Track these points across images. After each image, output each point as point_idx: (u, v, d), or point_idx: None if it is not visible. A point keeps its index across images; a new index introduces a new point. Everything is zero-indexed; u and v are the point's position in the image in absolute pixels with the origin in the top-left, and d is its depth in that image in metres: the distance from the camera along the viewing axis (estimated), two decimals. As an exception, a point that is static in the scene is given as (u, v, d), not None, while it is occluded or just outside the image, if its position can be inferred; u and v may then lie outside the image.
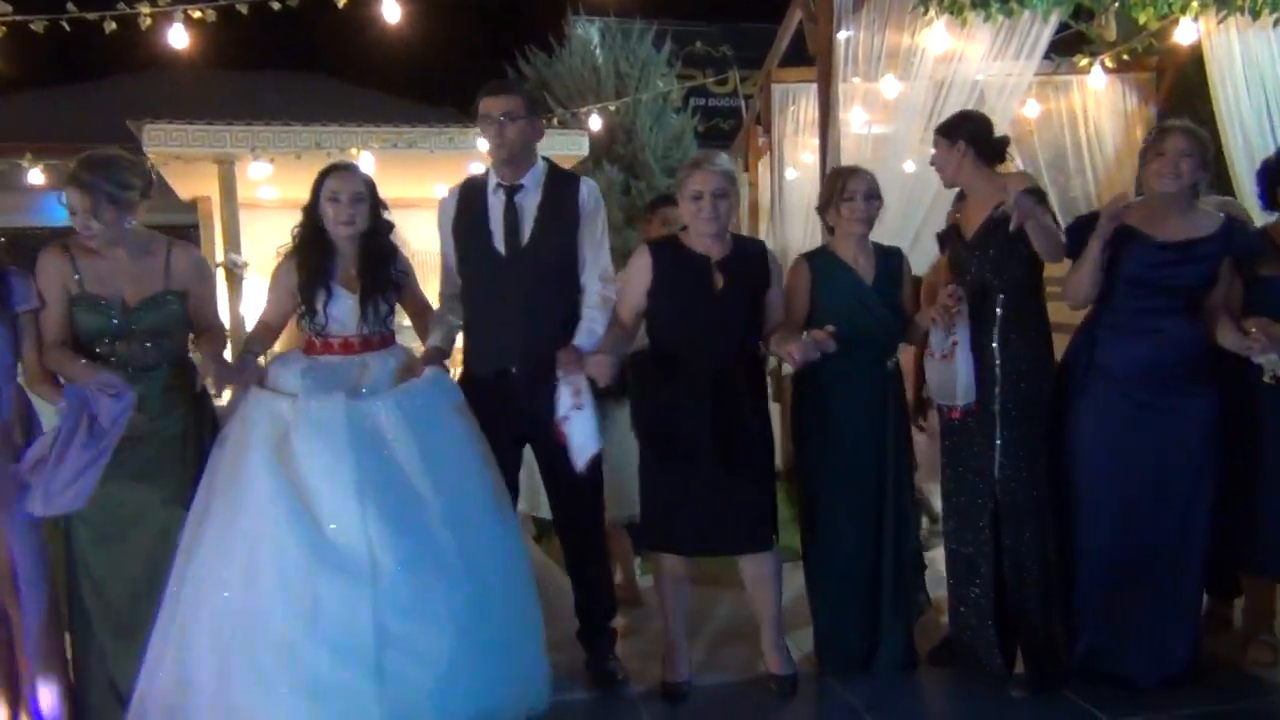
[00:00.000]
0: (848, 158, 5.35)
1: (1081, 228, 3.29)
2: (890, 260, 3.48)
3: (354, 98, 12.79)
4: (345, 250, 3.22)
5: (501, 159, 3.30)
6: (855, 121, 5.54)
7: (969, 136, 3.36)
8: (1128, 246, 3.21)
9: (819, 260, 3.48)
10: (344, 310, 3.16)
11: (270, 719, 2.63)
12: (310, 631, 2.66)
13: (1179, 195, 3.22)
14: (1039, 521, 3.26)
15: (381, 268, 3.22)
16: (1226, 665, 3.44)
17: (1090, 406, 3.27)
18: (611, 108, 10.85)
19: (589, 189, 3.37)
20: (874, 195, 3.43)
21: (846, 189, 3.40)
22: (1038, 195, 3.23)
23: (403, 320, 3.39)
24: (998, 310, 3.27)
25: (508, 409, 3.25)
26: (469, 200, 3.38)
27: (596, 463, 3.27)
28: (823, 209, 3.51)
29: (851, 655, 3.47)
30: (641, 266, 3.31)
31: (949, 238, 3.52)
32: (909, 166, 5.18)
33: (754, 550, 3.35)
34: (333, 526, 2.74)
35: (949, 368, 3.25)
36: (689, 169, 3.29)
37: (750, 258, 3.36)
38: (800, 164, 7.15)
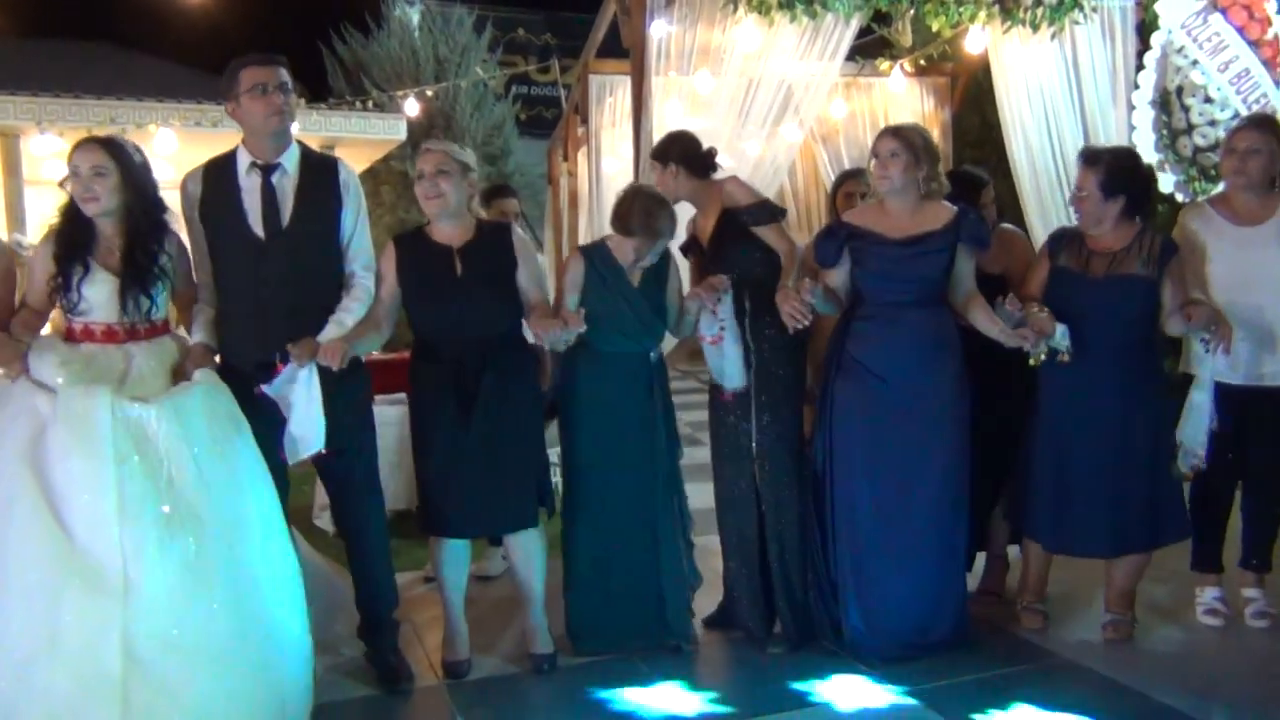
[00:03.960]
0: (662, 150, 5.44)
1: (827, 236, 3.51)
2: (659, 263, 3.55)
3: (152, 71, 12.08)
4: (106, 230, 2.98)
5: (278, 130, 3.13)
6: (671, 114, 5.65)
7: (678, 157, 3.62)
8: (866, 248, 3.42)
9: (595, 255, 3.54)
10: (101, 293, 2.90)
11: None
12: (50, 652, 2.43)
13: (902, 193, 3.42)
14: (793, 495, 3.53)
15: (145, 251, 2.97)
16: (1001, 632, 3.70)
17: (845, 395, 3.46)
18: (430, 93, 10.69)
19: (348, 172, 3.28)
20: (643, 256, 3.45)
21: (624, 231, 3.43)
22: (767, 210, 3.55)
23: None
24: (746, 305, 3.49)
25: (273, 403, 3.05)
26: (217, 181, 3.17)
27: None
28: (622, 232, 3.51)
29: (611, 638, 3.55)
30: (387, 260, 3.32)
31: (691, 248, 3.73)
32: (722, 160, 5.31)
33: (519, 528, 3.41)
34: (84, 538, 2.51)
35: (718, 353, 3.43)
36: (418, 153, 3.37)
37: (494, 242, 3.37)
38: (619, 155, 7.23)
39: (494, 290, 3.32)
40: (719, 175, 3.71)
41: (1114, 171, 3.43)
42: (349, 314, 3.15)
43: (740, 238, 3.54)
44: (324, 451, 3.01)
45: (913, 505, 3.41)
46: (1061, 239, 3.60)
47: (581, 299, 3.46)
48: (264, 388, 2.94)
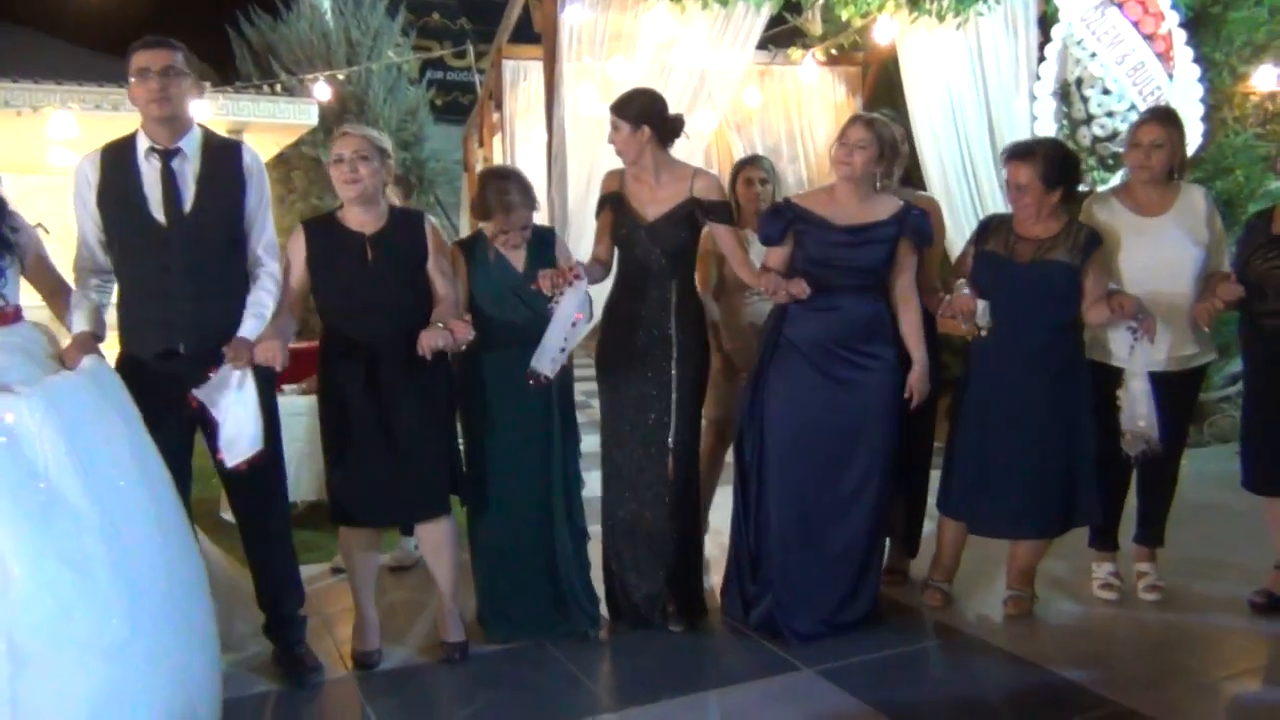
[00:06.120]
0: (575, 137, 5.45)
1: (774, 214, 3.54)
2: (544, 246, 3.54)
3: (50, 51, 11.61)
4: None
5: (160, 116, 3.03)
6: (585, 99, 5.62)
7: (650, 119, 3.46)
8: (810, 231, 3.47)
9: (473, 247, 3.52)
10: None
11: None
12: None
13: (856, 182, 3.47)
14: (695, 476, 3.63)
15: None
16: (907, 610, 3.79)
17: (780, 377, 3.51)
18: (341, 76, 10.49)
19: (252, 155, 3.20)
20: (511, 233, 3.46)
21: (483, 215, 3.45)
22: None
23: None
24: (671, 295, 3.51)
25: (176, 392, 2.99)
26: (116, 166, 3.07)
27: (276, 447, 3.19)
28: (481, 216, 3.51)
29: (519, 625, 3.55)
30: (296, 245, 3.28)
31: (610, 204, 3.60)
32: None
33: (428, 517, 3.39)
34: None
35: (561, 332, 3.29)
36: (335, 137, 3.30)
37: (407, 230, 3.33)
38: (534, 140, 7.18)
39: (404, 279, 3.28)
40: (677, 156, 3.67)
41: (1053, 162, 3.49)
42: (264, 306, 3.11)
43: (691, 227, 3.55)
44: (262, 450, 3.00)
45: (841, 489, 3.48)
46: (989, 226, 3.70)
47: (470, 292, 3.47)
48: (195, 392, 2.92)
